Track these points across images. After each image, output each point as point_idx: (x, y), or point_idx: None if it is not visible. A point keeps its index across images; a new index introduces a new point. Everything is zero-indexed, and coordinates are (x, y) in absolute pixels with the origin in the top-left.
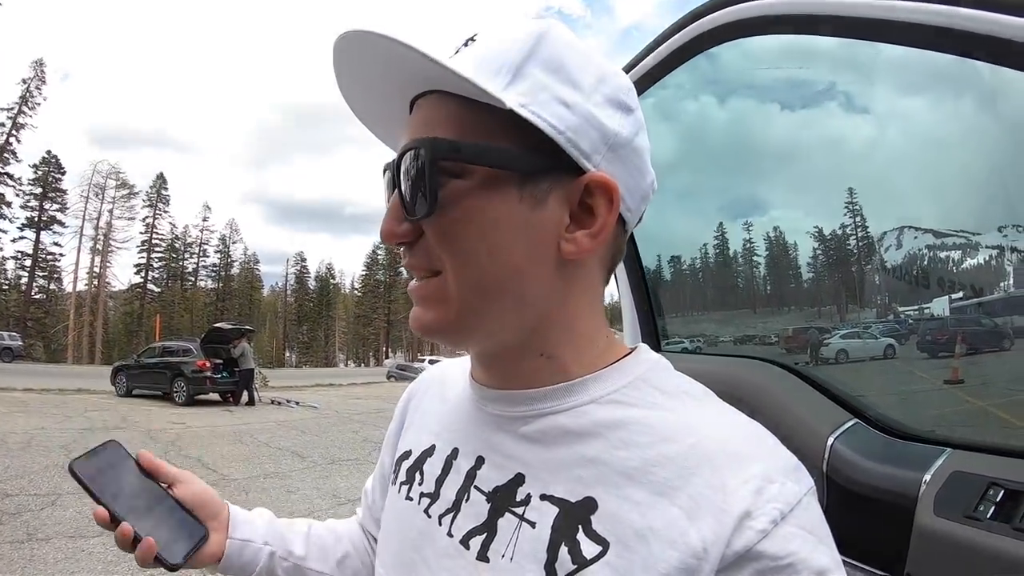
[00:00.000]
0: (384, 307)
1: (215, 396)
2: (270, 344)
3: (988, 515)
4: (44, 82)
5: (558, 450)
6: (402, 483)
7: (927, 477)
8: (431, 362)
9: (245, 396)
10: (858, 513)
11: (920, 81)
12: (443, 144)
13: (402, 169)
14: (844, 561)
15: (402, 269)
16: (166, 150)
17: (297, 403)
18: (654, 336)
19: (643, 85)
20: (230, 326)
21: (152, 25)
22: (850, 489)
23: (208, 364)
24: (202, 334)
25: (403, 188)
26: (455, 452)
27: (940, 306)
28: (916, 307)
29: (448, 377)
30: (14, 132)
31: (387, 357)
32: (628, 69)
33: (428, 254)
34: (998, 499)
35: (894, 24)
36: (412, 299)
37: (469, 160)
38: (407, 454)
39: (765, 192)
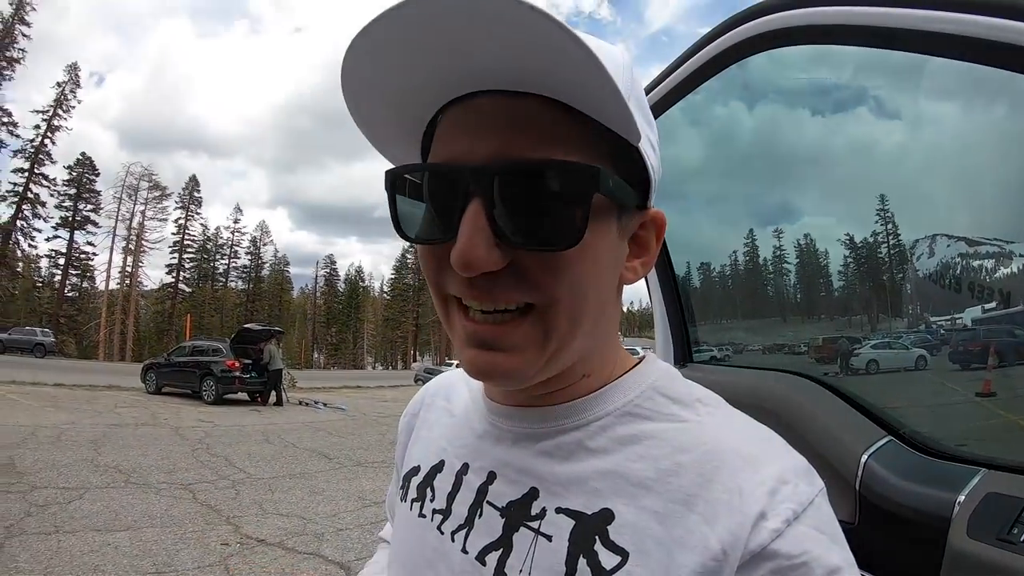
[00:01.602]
0: (413, 311)
1: (243, 396)
2: (298, 345)
3: (1022, 538)
4: (78, 85)
5: (573, 464)
6: (413, 500)
7: (961, 498)
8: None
9: (273, 396)
10: (890, 533)
11: (951, 86)
12: (605, 176)
13: (514, 187)
14: None
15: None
16: (199, 152)
17: (325, 404)
18: (685, 345)
19: (675, 97)
20: (260, 327)
21: (187, 29)
22: (883, 508)
23: (237, 364)
24: (232, 334)
25: (513, 209)
26: (465, 467)
27: (972, 316)
28: (948, 317)
29: (452, 391)
30: (48, 134)
31: (415, 360)
32: (661, 80)
33: (525, 285)
34: None
35: (935, 35)
36: (475, 342)
37: (611, 194)
38: (415, 470)
39: (795, 199)
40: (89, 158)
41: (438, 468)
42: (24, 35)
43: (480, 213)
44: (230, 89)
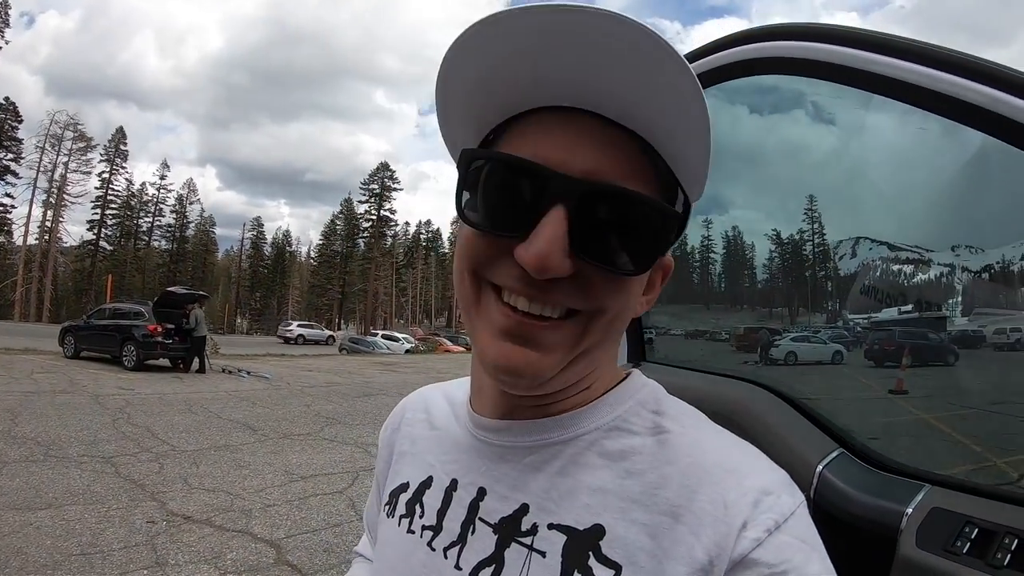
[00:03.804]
0: (339, 278)
1: (165, 362)
2: (222, 309)
3: (964, 550)
4: (7, 24)
5: (563, 480)
6: (401, 516)
7: (909, 511)
8: (384, 336)
9: (196, 363)
10: (843, 539)
11: (886, 106)
12: (680, 222)
13: (602, 207)
14: None
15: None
16: (128, 103)
17: (248, 373)
18: (639, 343)
19: None
20: (184, 291)
21: None
22: (836, 516)
23: (160, 329)
24: (155, 297)
25: (595, 226)
26: (454, 483)
27: (888, 316)
28: (865, 316)
29: (432, 404)
30: None
31: (339, 328)
32: None
33: (583, 295)
34: (973, 536)
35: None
36: (510, 336)
37: (676, 237)
38: (404, 486)
39: (726, 191)
40: (12, 103)
41: (427, 484)
42: None
43: (563, 221)
44: (165, 39)
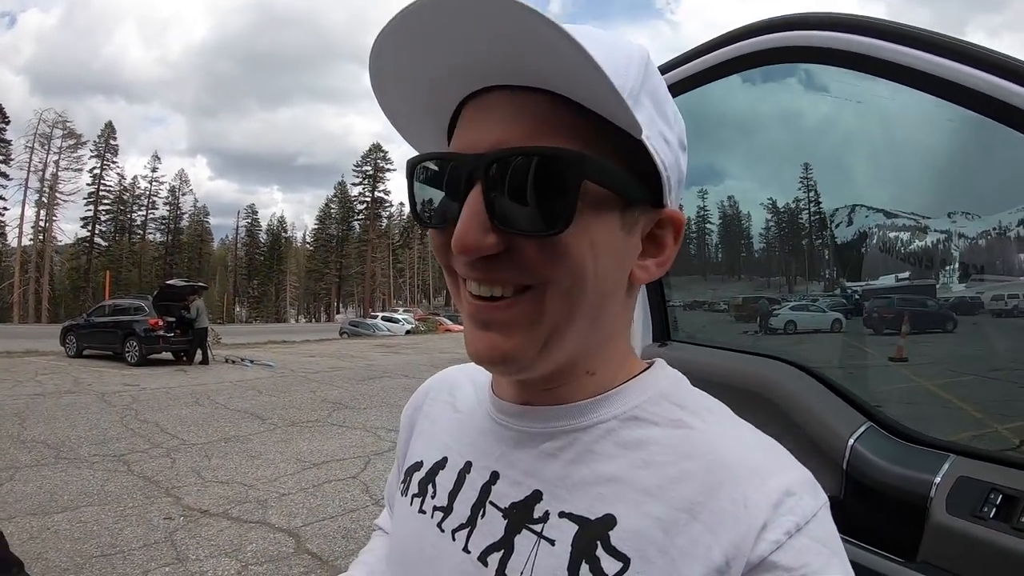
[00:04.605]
0: (336, 262)
1: (167, 355)
2: (220, 299)
3: (991, 515)
4: None
5: (578, 468)
6: (414, 495)
7: (937, 480)
8: (384, 318)
9: (199, 355)
10: (874, 507)
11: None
12: (592, 163)
13: (508, 174)
14: (862, 547)
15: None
16: (115, 97)
17: (252, 361)
18: (664, 323)
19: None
20: (183, 283)
21: None
22: (868, 486)
23: (161, 322)
24: (154, 290)
25: (508, 195)
26: (468, 466)
27: (886, 284)
28: (863, 284)
29: (456, 385)
30: None
31: (339, 312)
32: (668, 69)
33: (521, 268)
34: (998, 502)
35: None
36: (476, 322)
37: (602, 182)
38: (418, 465)
39: (721, 161)
40: None
41: (441, 465)
42: None
43: (479, 199)
44: (148, 30)
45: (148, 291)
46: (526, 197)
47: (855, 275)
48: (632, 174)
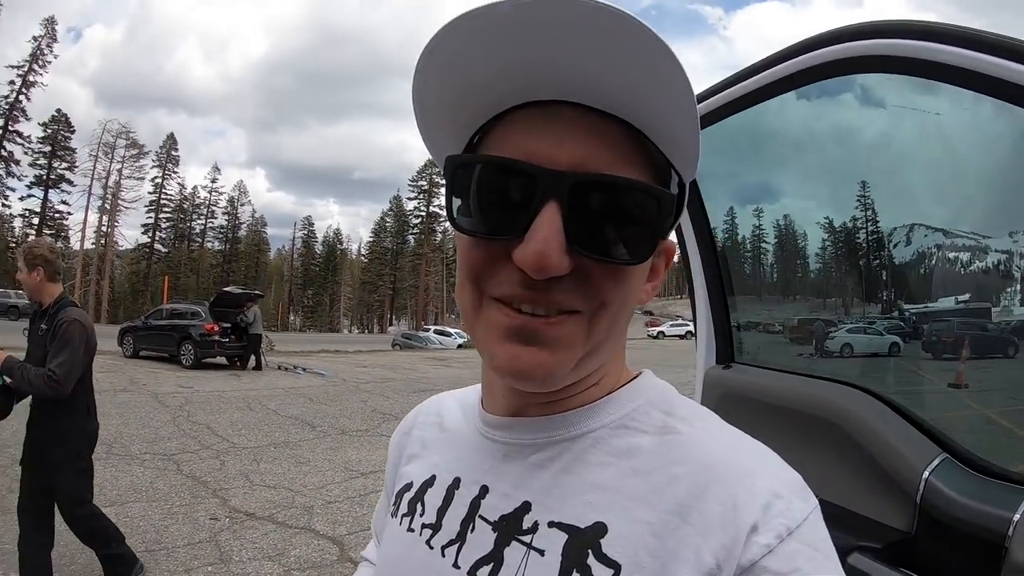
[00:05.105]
0: (390, 274)
1: (221, 360)
2: (275, 307)
3: None
4: (55, 39)
5: (567, 478)
6: (403, 515)
7: (1016, 517)
8: (436, 332)
9: (252, 361)
10: (949, 544)
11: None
12: (673, 200)
13: (594, 199)
14: None
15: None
16: (177, 110)
17: (304, 369)
18: (728, 345)
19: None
20: (239, 290)
21: None
22: (943, 522)
23: (216, 328)
24: (210, 296)
25: (591, 219)
26: (456, 482)
27: (945, 306)
28: (922, 306)
29: (444, 408)
30: (23, 90)
31: (391, 324)
32: (726, 87)
33: (585, 292)
34: None
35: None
36: (518, 337)
37: (673, 221)
38: (408, 486)
39: (776, 180)
40: (64, 115)
41: (429, 483)
42: None
43: (557, 217)
44: (210, 46)
45: (205, 297)
46: (611, 225)
47: (913, 297)
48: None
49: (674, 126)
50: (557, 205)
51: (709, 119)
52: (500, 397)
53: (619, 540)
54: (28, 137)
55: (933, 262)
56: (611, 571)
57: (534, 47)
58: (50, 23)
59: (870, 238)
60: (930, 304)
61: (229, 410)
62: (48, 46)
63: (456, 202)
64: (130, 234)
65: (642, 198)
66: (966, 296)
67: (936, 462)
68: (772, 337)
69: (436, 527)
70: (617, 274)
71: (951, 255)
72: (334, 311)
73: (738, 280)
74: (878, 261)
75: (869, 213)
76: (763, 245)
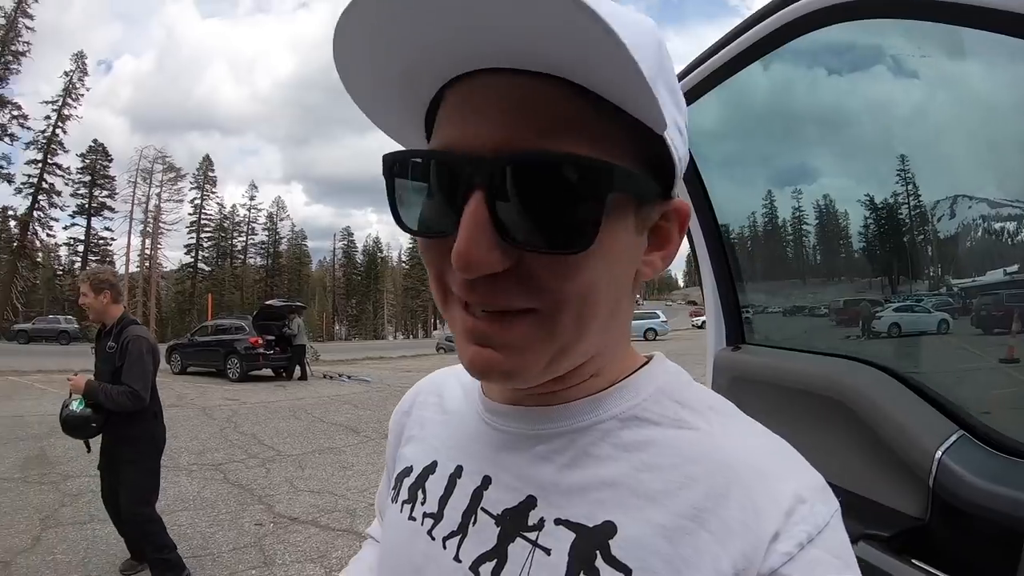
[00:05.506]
0: None
1: (268, 372)
2: (319, 318)
3: None
4: (86, 73)
5: (575, 472)
6: (404, 501)
7: None
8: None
9: (297, 371)
10: (964, 531)
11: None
12: (620, 173)
13: (518, 182)
14: None
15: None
16: (211, 132)
17: (349, 377)
18: (738, 326)
19: (715, 80)
20: (281, 303)
21: (191, 10)
22: (957, 507)
23: (261, 341)
24: (254, 311)
25: (518, 206)
26: (459, 470)
27: (993, 279)
28: (969, 280)
29: (445, 387)
30: (60, 124)
31: (435, 329)
32: (701, 61)
33: (530, 289)
34: None
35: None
36: (473, 339)
37: (626, 190)
38: (408, 470)
39: (813, 159)
40: (101, 144)
41: (430, 469)
42: (28, 28)
43: (482, 209)
44: (238, 67)
45: (250, 312)
46: (541, 209)
47: (960, 271)
48: (647, 168)
49: (607, 71)
50: (482, 194)
51: (718, 76)
52: (498, 385)
53: (628, 541)
54: (67, 169)
55: (979, 234)
56: (621, 575)
57: (435, 13)
58: (80, 57)
59: (912, 212)
60: (978, 277)
61: (275, 420)
62: (80, 79)
63: (397, 200)
64: (173, 255)
65: (573, 173)
66: (1015, 267)
67: (952, 440)
68: (812, 320)
69: (438, 517)
70: (564, 265)
71: (997, 225)
72: (378, 319)
73: (777, 263)
74: (922, 236)
75: (910, 187)
76: (804, 227)
